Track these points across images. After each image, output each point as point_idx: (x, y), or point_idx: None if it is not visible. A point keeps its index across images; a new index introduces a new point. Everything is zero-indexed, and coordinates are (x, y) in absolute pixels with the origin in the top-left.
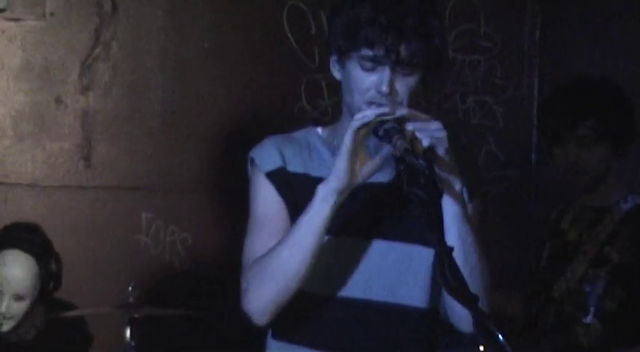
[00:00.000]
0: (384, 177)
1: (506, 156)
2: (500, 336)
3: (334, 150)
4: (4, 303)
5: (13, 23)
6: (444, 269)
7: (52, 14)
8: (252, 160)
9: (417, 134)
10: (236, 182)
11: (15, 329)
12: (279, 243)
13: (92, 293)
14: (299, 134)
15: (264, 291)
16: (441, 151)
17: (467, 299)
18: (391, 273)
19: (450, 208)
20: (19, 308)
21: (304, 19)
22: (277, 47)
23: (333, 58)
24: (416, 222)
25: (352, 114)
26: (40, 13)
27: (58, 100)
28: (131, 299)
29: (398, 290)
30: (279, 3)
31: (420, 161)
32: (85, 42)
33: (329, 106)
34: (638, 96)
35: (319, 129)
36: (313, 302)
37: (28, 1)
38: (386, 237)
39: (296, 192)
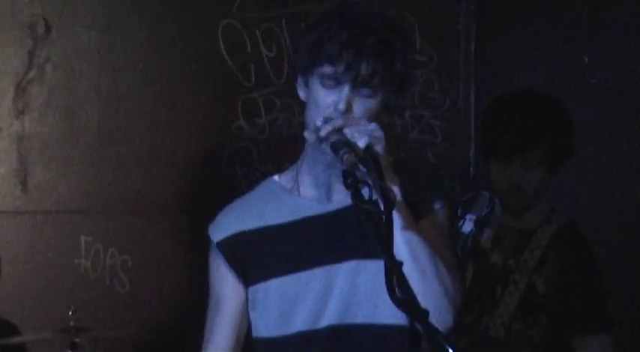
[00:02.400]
0: (336, 205)
1: (445, 170)
2: (450, 350)
3: (294, 191)
4: None
5: None
6: (392, 283)
7: None
8: (208, 233)
9: (355, 135)
10: (175, 202)
11: None
12: None
13: (33, 318)
14: (257, 189)
15: None
16: (379, 149)
17: (415, 313)
18: (366, 293)
19: (397, 221)
20: None
21: (239, 37)
22: (213, 66)
23: (299, 78)
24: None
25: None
26: None
27: None
28: (72, 323)
29: (376, 309)
30: (214, 21)
31: (365, 168)
32: (19, 65)
33: (266, 123)
34: (574, 107)
35: (276, 177)
36: (273, 347)
37: None
38: (355, 257)
39: (252, 250)
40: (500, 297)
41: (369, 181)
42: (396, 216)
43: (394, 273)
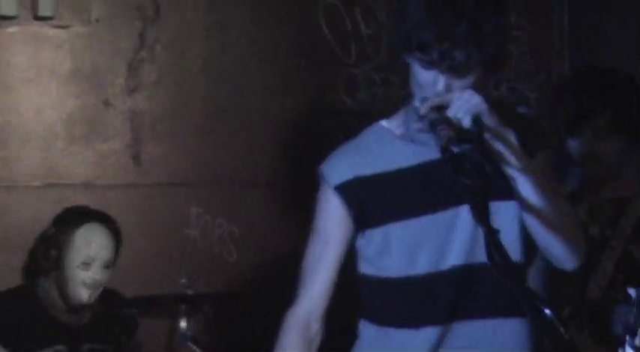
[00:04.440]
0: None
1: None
2: (548, 312)
3: (405, 136)
4: (99, 272)
5: (61, 30)
6: (491, 249)
7: (97, 20)
8: (321, 174)
9: (458, 115)
10: (279, 174)
11: (75, 311)
12: None
13: (146, 286)
14: (365, 134)
15: None
16: (486, 120)
17: (512, 277)
18: (474, 234)
19: (513, 171)
20: (107, 276)
21: (339, 15)
22: (315, 43)
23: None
24: (495, 179)
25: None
26: (86, 20)
27: (107, 103)
28: (184, 291)
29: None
30: (314, 1)
31: (464, 146)
32: (130, 45)
33: (366, 99)
34: None
35: (384, 123)
36: (398, 286)
37: (75, 8)
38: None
39: (370, 194)
40: (597, 263)
41: (468, 155)
42: (513, 168)
43: (491, 239)
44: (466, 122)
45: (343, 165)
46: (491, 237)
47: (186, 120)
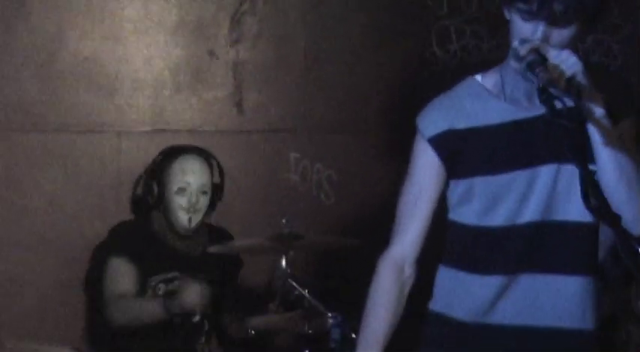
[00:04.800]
0: (538, 109)
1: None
2: None
3: (498, 94)
4: (195, 196)
5: None
6: (587, 191)
7: None
8: (417, 126)
9: (561, 65)
10: (375, 121)
11: (187, 244)
12: None
13: (248, 228)
14: (460, 88)
15: None
16: (580, 78)
17: (609, 218)
18: (563, 194)
19: (597, 133)
20: (204, 202)
21: None
22: (405, 8)
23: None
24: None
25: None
26: None
27: (211, 53)
28: (285, 231)
29: (571, 207)
30: None
31: (564, 89)
32: None
33: (457, 50)
34: None
35: (479, 77)
36: (476, 234)
37: None
38: (554, 161)
39: (460, 147)
40: None
41: (564, 97)
42: (598, 131)
43: (588, 182)
44: (568, 72)
45: (438, 118)
46: (588, 178)
47: (286, 70)
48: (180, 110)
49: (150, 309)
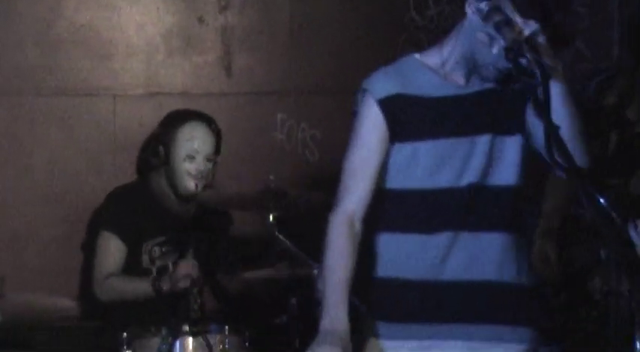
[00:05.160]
0: (481, 86)
1: (592, 53)
2: (602, 200)
3: (438, 71)
4: (203, 163)
5: None
6: (551, 145)
7: None
8: (365, 90)
9: (522, 24)
10: (355, 83)
11: (183, 206)
12: None
13: (237, 183)
14: (402, 63)
15: None
16: (539, 38)
17: (573, 170)
18: (497, 160)
19: (555, 90)
20: (208, 168)
21: None
22: None
23: None
24: (510, 115)
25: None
26: None
27: (201, 19)
28: (272, 186)
29: (504, 171)
30: None
31: (526, 49)
32: None
33: (434, 15)
34: None
35: (417, 56)
36: (421, 196)
37: None
38: (490, 131)
39: (409, 112)
40: None
41: (529, 56)
42: (560, 87)
43: (553, 137)
44: (527, 31)
45: (387, 82)
46: (552, 132)
47: (272, 35)
48: (172, 74)
49: (138, 288)
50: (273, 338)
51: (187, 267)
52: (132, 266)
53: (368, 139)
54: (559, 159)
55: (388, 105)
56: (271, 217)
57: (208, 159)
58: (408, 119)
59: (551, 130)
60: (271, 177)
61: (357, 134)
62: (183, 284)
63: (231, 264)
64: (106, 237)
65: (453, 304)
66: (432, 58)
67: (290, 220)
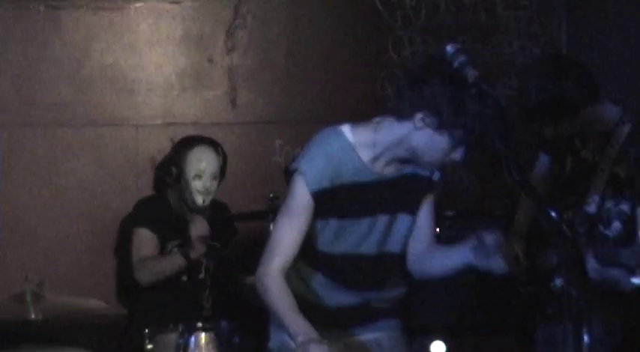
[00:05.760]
0: (391, 173)
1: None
2: (554, 214)
3: (368, 163)
4: (208, 181)
5: (174, 5)
6: (510, 167)
7: None
8: (302, 174)
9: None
10: (342, 113)
11: (195, 212)
12: None
13: (242, 200)
14: (334, 144)
15: None
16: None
17: (530, 190)
18: (394, 235)
19: None
20: (215, 185)
21: None
22: (369, 13)
23: None
24: (412, 198)
25: None
26: None
27: (210, 60)
28: (272, 203)
29: (385, 244)
30: None
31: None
32: (228, 16)
33: (409, 55)
34: None
35: (348, 132)
36: (329, 257)
37: None
38: (390, 212)
39: (333, 198)
40: (591, 182)
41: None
42: None
43: (510, 159)
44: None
45: (322, 176)
46: (510, 157)
47: (271, 72)
48: (185, 107)
49: (172, 261)
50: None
51: (198, 229)
52: None
53: (297, 217)
54: (517, 179)
55: (319, 196)
56: (271, 226)
57: (214, 178)
58: (327, 204)
59: (509, 155)
60: (271, 195)
61: (289, 209)
62: (201, 249)
63: (235, 269)
64: (140, 232)
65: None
66: (363, 135)
67: None
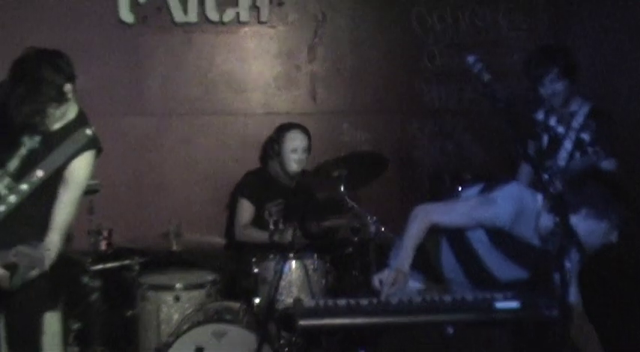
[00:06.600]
0: None
1: (524, 21)
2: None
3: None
4: (301, 153)
5: (272, 29)
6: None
7: (292, 22)
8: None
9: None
10: (388, 105)
11: (290, 181)
12: None
13: (321, 163)
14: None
15: None
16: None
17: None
18: None
19: None
20: (305, 156)
21: (423, 17)
22: (409, 33)
23: None
24: None
25: None
26: (285, 22)
27: (297, 67)
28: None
29: None
30: (406, 10)
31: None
32: (309, 35)
33: (440, 65)
34: None
35: None
36: None
37: (279, 16)
38: None
39: None
40: (562, 145)
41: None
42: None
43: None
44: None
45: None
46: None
47: (340, 77)
48: (280, 101)
49: (261, 237)
50: (345, 263)
51: (290, 235)
52: (258, 219)
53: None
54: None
55: None
56: (342, 187)
57: (304, 151)
58: None
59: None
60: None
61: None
62: (285, 239)
63: (317, 215)
64: (241, 201)
65: None
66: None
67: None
